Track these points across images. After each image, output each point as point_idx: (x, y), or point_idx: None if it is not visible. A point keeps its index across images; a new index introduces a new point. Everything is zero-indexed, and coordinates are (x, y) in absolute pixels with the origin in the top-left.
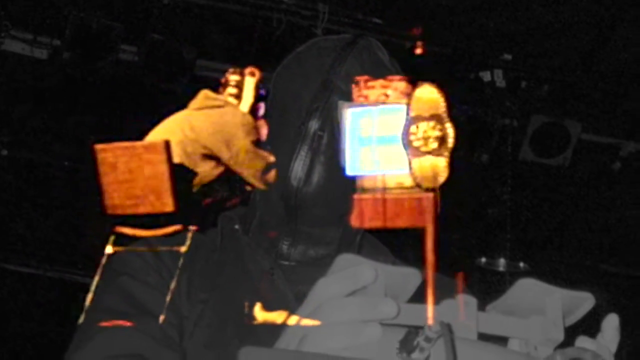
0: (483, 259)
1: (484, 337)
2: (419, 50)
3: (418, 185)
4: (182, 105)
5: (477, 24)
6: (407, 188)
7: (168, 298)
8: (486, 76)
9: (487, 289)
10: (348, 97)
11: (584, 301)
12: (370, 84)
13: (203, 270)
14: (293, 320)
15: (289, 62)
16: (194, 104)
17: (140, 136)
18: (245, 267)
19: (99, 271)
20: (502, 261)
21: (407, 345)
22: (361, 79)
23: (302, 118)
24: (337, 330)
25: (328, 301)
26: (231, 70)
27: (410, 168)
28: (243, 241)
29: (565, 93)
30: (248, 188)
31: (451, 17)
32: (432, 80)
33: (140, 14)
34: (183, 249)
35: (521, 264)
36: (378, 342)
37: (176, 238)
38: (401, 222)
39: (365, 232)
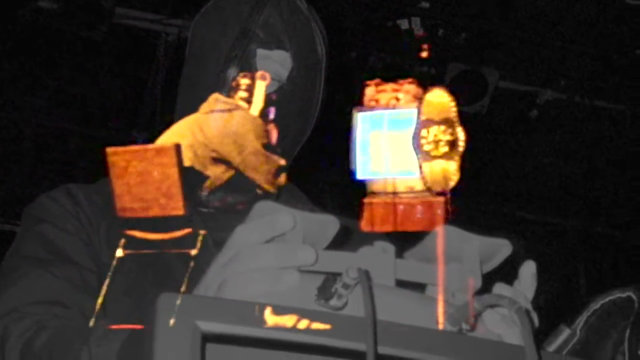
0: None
1: (402, 284)
2: (424, 54)
3: (429, 189)
4: (102, 53)
5: None
6: (417, 192)
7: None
8: (404, 24)
9: (405, 236)
10: (266, 45)
11: (501, 248)
12: (381, 87)
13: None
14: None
15: (208, 10)
16: (205, 107)
17: (60, 84)
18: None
19: None
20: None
21: (325, 292)
22: (372, 82)
23: (220, 66)
24: (256, 277)
25: (246, 248)
26: (241, 74)
27: (421, 172)
28: None
29: (482, 41)
30: (258, 191)
31: None
32: (350, 28)
33: None
34: (193, 252)
35: None
36: (296, 289)
37: (185, 240)
38: (412, 226)
39: None
